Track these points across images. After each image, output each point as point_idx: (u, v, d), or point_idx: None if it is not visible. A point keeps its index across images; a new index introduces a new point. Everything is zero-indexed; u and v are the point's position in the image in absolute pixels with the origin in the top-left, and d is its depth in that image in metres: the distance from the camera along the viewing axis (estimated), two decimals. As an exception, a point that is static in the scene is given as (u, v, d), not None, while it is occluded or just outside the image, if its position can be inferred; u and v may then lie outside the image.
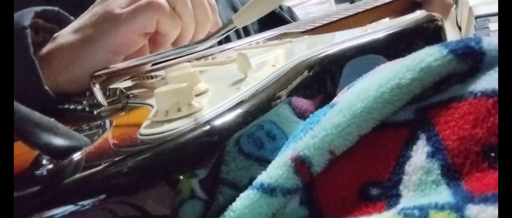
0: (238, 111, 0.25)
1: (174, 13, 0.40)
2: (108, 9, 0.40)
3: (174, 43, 0.44)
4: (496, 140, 0.19)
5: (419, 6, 0.64)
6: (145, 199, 0.22)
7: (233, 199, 0.23)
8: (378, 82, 0.22)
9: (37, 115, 0.22)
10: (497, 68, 0.21)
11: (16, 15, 0.40)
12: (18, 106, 0.21)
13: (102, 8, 0.41)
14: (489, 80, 0.21)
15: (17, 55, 0.38)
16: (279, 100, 0.28)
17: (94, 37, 0.40)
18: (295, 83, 0.31)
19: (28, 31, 0.39)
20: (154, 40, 0.44)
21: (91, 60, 0.40)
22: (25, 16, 0.40)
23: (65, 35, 0.42)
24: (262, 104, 0.27)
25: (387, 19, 0.60)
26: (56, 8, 0.43)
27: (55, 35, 0.42)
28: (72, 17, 0.44)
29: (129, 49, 0.41)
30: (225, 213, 0.22)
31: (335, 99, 0.25)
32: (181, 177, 0.23)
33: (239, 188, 0.24)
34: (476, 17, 0.75)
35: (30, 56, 0.38)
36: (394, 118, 0.22)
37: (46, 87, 0.38)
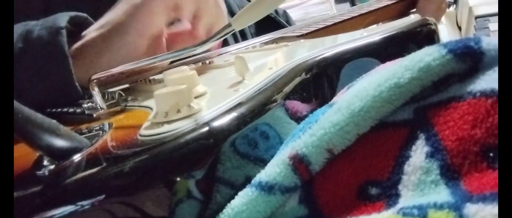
0: (237, 112, 0.26)
1: None
2: (130, 1, 0.43)
3: (192, 27, 0.45)
4: (494, 140, 0.19)
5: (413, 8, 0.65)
6: (144, 199, 0.22)
7: (230, 197, 0.23)
8: (377, 82, 0.22)
9: (39, 116, 0.22)
10: (496, 68, 0.21)
11: (52, 17, 0.42)
12: (20, 108, 0.21)
13: (124, 3, 0.43)
14: (488, 81, 0.21)
15: (52, 52, 0.40)
16: (276, 103, 0.28)
17: (121, 24, 0.42)
18: (292, 85, 0.31)
19: (64, 31, 0.41)
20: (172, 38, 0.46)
21: (121, 46, 0.42)
22: (61, 18, 0.42)
23: (92, 31, 0.43)
24: (260, 106, 0.27)
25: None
26: (85, 15, 0.45)
27: (82, 34, 0.44)
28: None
29: (153, 28, 0.43)
30: (224, 210, 0.23)
31: (334, 99, 0.25)
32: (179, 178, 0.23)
33: (236, 187, 0.24)
34: (476, 17, 0.75)
35: (65, 53, 0.40)
36: (393, 117, 0.22)
37: (76, 83, 0.40)
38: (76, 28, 0.45)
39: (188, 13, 0.44)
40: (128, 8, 0.43)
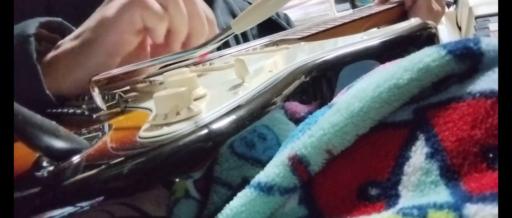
0: (236, 115, 0.26)
1: (159, 8, 0.42)
2: (103, 14, 0.42)
3: (166, 44, 0.45)
4: (494, 141, 0.19)
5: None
6: (143, 201, 0.22)
7: (227, 198, 0.23)
8: (376, 83, 0.22)
9: (38, 117, 0.22)
10: (495, 69, 0.21)
11: (21, 24, 0.42)
12: (20, 109, 0.22)
13: (98, 14, 0.43)
14: (487, 81, 0.21)
15: (20, 61, 0.39)
16: (275, 105, 0.28)
17: (91, 40, 0.42)
18: (291, 88, 0.31)
19: (32, 39, 0.40)
20: (152, 45, 0.46)
21: (90, 63, 0.41)
22: (30, 25, 0.41)
23: (67, 42, 0.43)
24: (259, 109, 0.27)
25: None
26: (60, 19, 0.45)
27: (58, 43, 0.44)
28: (74, 28, 0.46)
29: (122, 49, 0.42)
30: (223, 211, 0.23)
31: (334, 100, 0.25)
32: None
33: (233, 187, 0.24)
34: (476, 17, 0.75)
35: (33, 61, 0.39)
36: (393, 118, 0.22)
37: (47, 91, 0.39)
38: (53, 32, 0.44)
39: (160, 33, 0.43)
40: (99, 24, 0.42)
